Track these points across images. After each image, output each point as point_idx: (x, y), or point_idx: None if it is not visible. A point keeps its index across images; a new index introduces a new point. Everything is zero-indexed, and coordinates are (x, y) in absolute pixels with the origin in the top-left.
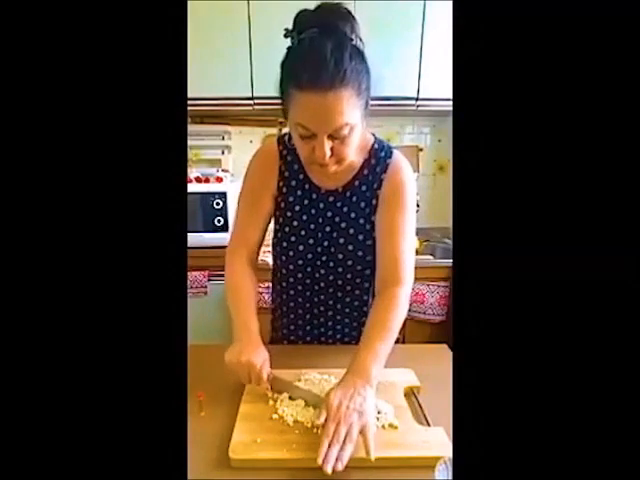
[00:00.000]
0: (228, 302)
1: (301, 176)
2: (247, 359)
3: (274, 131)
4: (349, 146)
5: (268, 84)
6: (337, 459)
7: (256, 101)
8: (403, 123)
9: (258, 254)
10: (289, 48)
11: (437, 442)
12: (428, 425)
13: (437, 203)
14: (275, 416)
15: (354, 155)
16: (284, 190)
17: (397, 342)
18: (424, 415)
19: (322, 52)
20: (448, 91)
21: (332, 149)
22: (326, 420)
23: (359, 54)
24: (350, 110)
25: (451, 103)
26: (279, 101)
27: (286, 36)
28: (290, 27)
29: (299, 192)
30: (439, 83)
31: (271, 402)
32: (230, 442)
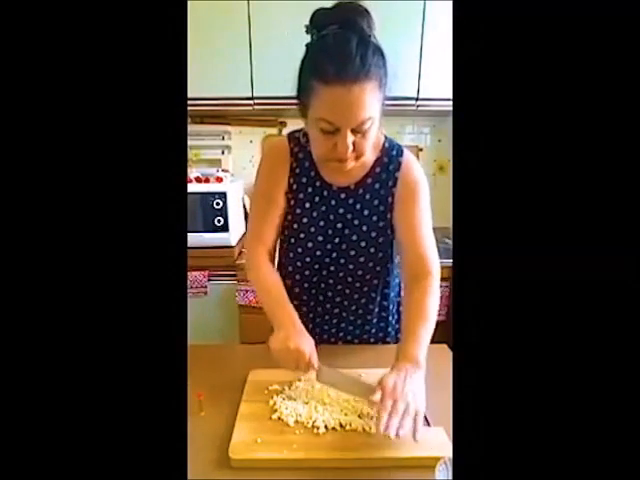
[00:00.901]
0: (260, 296)
1: (312, 173)
2: (295, 346)
3: (274, 131)
4: (368, 140)
5: (268, 84)
6: (398, 427)
7: (256, 101)
8: (403, 123)
9: (275, 251)
10: (309, 45)
11: (437, 442)
12: (428, 425)
13: (437, 203)
14: (275, 416)
15: (370, 152)
16: (294, 187)
17: (397, 342)
18: (424, 415)
19: (348, 47)
20: (448, 91)
21: (353, 144)
22: (382, 398)
23: (378, 49)
24: (372, 104)
25: (451, 103)
26: (281, 101)
27: (307, 32)
28: (291, 27)
29: (310, 189)
30: (439, 83)
31: (271, 402)
32: (230, 442)
